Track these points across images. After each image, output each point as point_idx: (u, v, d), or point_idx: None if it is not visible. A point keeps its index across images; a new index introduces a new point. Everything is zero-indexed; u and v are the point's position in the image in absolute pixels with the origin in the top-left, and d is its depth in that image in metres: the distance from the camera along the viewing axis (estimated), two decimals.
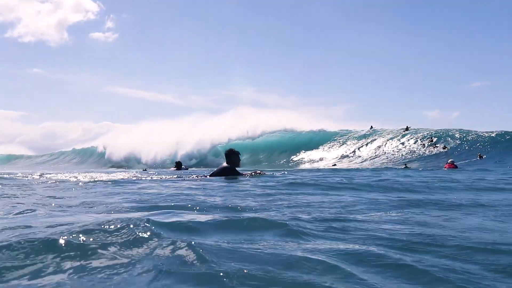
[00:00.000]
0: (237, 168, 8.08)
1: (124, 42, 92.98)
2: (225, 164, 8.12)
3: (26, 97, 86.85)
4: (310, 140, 36.73)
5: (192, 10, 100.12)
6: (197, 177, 8.21)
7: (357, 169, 16.09)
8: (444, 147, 31.81)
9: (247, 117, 40.57)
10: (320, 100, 77.34)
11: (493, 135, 30.75)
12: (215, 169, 8.42)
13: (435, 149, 31.90)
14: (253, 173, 8.30)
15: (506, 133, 30.52)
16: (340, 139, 36.79)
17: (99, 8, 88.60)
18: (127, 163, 39.84)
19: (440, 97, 75.96)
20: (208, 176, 8.13)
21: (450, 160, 16.92)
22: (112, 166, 39.35)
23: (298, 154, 35.47)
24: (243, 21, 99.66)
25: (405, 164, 28.41)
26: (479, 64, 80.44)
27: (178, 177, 8.29)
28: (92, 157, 46.87)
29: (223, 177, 7.73)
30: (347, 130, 38.30)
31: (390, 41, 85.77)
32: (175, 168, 17.18)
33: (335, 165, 32.35)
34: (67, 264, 1.56)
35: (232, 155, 8.02)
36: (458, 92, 76.57)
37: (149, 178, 8.11)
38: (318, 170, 13.61)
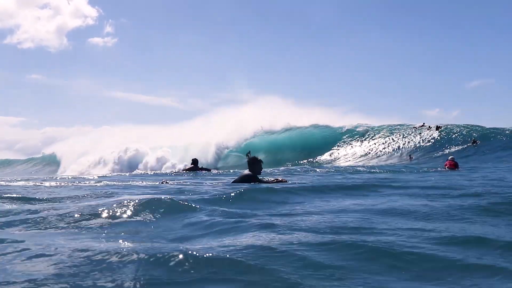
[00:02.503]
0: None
1: (123, 46, 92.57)
2: (247, 171, 7.78)
3: (26, 103, 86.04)
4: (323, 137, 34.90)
5: (190, 13, 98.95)
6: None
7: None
8: (437, 127, 32.27)
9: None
10: (320, 101, 76.96)
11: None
12: (236, 177, 8.09)
13: (429, 130, 32.35)
14: (275, 181, 7.99)
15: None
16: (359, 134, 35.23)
17: (98, 13, 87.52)
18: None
19: (440, 96, 76.05)
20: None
21: (451, 157, 15.89)
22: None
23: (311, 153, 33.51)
24: (242, 24, 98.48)
25: (410, 155, 28.49)
26: (478, 62, 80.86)
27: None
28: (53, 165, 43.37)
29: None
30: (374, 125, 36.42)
31: (389, 40, 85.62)
32: (191, 165, 14.39)
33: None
34: None
35: (255, 162, 7.68)
36: (458, 91, 76.69)
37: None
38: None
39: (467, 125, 32.09)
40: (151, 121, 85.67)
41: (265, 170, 15.22)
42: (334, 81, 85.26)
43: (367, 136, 34.60)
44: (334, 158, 31.90)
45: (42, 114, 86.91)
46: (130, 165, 35.11)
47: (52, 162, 43.67)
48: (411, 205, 4.00)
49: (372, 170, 12.51)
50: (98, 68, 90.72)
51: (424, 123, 34.27)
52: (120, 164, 35.64)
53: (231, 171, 15.58)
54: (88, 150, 39.00)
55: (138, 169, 33.02)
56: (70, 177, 13.22)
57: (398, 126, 35.23)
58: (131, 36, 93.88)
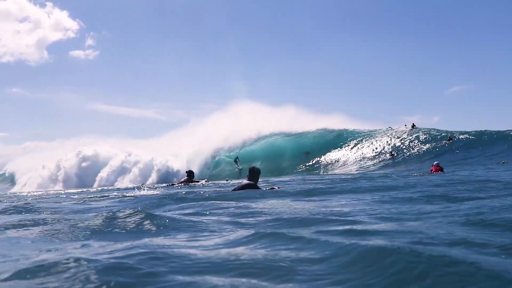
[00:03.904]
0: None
1: (105, 59, 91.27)
2: (246, 181, 8.12)
3: (6, 117, 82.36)
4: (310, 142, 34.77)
5: (172, 25, 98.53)
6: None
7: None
8: (413, 126, 34.04)
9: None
10: (302, 107, 77.08)
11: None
12: (236, 186, 8.39)
13: (406, 128, 34.24)
14: (272, 189, 8.36)
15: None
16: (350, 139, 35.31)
17: (79, 26, 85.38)
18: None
19: (420, 102, 78.40)
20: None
21: (436, 162, 16.45)
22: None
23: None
24: (226, 35, 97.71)
25: (392, 152, 29.62)
26: (456, 69, 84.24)
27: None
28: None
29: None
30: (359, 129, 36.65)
31: (369, 49, 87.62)
32: (186, 178, 13.54)
33: (308, 152, 32.76)
34: None
35: (255, 172, 8.07)
36: (438, 97, 79.27)
37: None
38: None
39: (435, 129, 33.69)
40: (135, 133, 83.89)
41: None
42: (316, 88, 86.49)
43: (346, 141, 34.69)
44: (314, 164, 32.11)
45: (24, 129, 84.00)
46: (83, 179, 30.60)
47: (11, 179, 41.07)
48: (368, 201, 5.00)
49: (356, 177, 13.00)
50: (80, 81, 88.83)
51: (405, 125, 35.58)
52: (68, 181, 30.94)
53: (223, 182, 15.91)
54: (47, 164, 34.78)
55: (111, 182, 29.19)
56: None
57: (372, 128, 36.25)
58: (113, 48, 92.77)
